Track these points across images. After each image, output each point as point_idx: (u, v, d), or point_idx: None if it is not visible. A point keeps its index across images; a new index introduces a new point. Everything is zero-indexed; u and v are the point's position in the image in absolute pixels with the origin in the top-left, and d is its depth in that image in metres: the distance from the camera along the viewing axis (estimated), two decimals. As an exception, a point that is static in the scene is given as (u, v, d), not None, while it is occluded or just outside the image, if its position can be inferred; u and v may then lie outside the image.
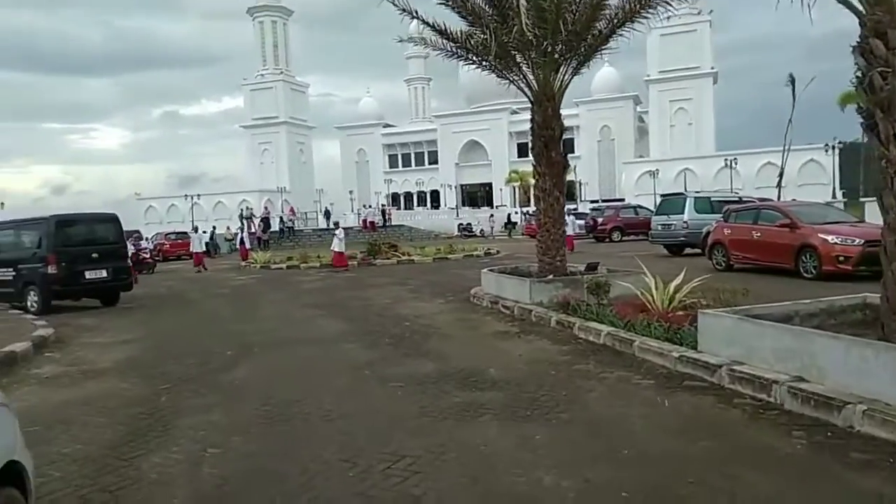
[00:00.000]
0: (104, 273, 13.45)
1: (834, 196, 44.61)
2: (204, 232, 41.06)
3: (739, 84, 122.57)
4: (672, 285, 8.13)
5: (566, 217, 21.78)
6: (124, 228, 32.10)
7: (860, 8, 4.86)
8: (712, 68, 67.30)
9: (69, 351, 8.69)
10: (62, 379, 7.03)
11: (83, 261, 13.18)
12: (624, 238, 30.86)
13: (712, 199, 20.02)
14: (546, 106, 10.69)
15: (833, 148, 49.69)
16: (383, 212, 48.06)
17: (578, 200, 69.66)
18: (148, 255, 26.91)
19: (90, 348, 8.87)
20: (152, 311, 12.90)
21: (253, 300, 14.01)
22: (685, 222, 19.14)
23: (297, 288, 16.25)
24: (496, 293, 10.66)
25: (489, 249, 26.11)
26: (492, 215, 54.05)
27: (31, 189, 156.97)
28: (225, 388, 6.28)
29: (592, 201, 62.51)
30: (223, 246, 40.37)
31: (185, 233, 39.48)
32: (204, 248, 28.03)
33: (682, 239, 19.33)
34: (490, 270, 11.83)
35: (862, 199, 27.94)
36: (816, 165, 54.48)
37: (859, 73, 4.90)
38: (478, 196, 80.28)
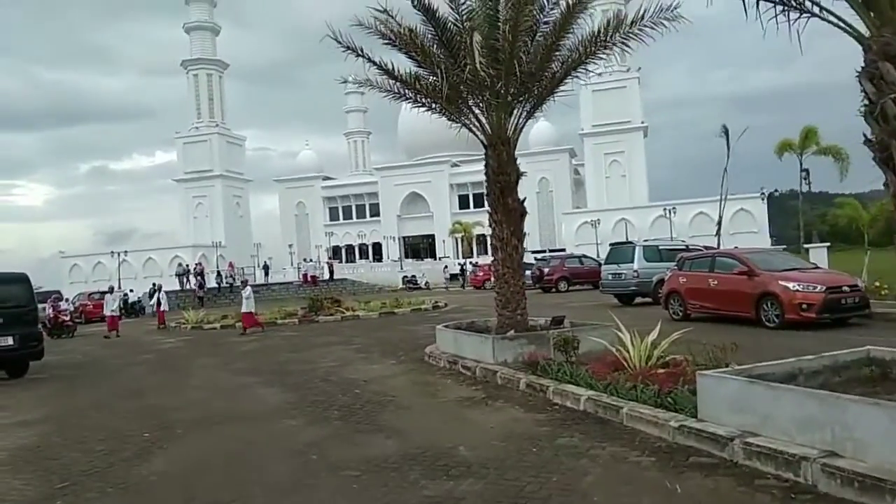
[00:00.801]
0: (10, 340, 11.87)
1: (773, 244, 46.18)
2: (130, 291, 38.95)
3: (663, 139, 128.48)
4: (649, 339, 7.47)
5: (245, 292, 21.04)
6: (48, 289, 29.41)
7: (864, 31, 4.41)
8: (642, 122, 69.93)
9: (-49, 439, 7.25)
10: (-68, 480, 5.69)
11: (-17, 327, 11.60)
12: (570, 288, 30.60)
13: (660, 247, 19.92)
14: (501, 150, 10.12)
15: (765, 197, 51.79)
16: (329, 266, 46.44)
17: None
18: (68, 318, 24.83)
19: (-22, 434, 7.45)
20: (64, 383, 11.38)
21: (181, 367, 12.63)
22: (635, 271, 18.87)
23: (232, 350, 14.90)
24: (454, 352, 9.78)
25: (437, 302, 25.25)
26: (445, 267, 53.54)
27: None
28: (136, 485, 5.13)
29: (533, 251, 63.03)
30: (149, 307, 38.02)
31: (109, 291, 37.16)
32: (117, 312, 24.37)
33: (633, 288, 19.02)
34: (445, 327, 10.96)
35: (807, 245, 28.68)
36: (747, 214, 56.58)
37: (867, 101, 4.42)
38: (420, 248, 79.74)
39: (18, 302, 12.38)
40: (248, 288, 20.46)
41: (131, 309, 35.83)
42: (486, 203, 10.43)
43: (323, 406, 7.61)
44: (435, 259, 71.59)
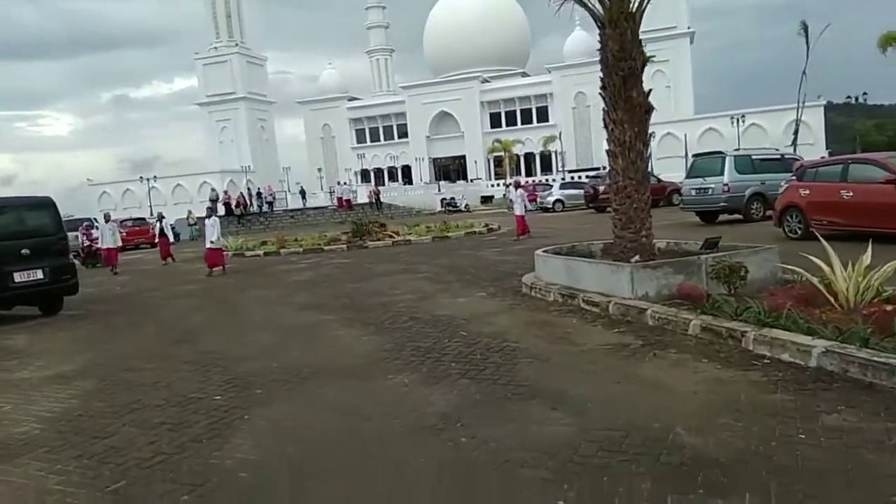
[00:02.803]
0: (39, 274, 10.42)
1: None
2: (163, 218, 38.11)
3: (700, 50, 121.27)
4: (861, 265, 5.65)
5: (515, 193, 19.31)
6: (78, 216, 27.97)
7: None
8: (689, 28, 65.29)
9: (-28, 402, 5.78)
10: (-58, 469, 4.19)
11: (10, 259, 10.13)
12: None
13: (753, 157, 17.62)
14: (624, 28, 8.04)
15: (823, 105, 48.18)
16: (376, 193, 44.61)
17: (555, 171, 67.51)
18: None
19: (9, 393, 5.97)
20: (103, 322, 9.95)
21: (233, 300, 11.12)
22: (726, 185, 16.74)
23: (285, 280, 13.38)
24: (567, 283, 8.02)
25: (489, 225, 23.44)
26: (515, 185, 51.59)
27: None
28: (223, 488, 3.54)
29: (570, 171, 60.30)
30: (185, 231, 36.92)
31: (143, 219, 36.06)
32: (170, 237, 22.76)
33: (723, 204, 16.94)
34: (548, 252, 9.16)
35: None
36: (802, 125, 52.96)
37: None
38: (451, 169, 77.33)
39: (45, 230, 10.85)
40: (214, 218, 16.60)
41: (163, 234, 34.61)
42: (603, 95, 8.38)
43: (431, 355, 5.97)
44: (467, 181, 69.38)
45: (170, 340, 7.94)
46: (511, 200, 20.63)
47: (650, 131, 8.39)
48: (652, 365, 5.14)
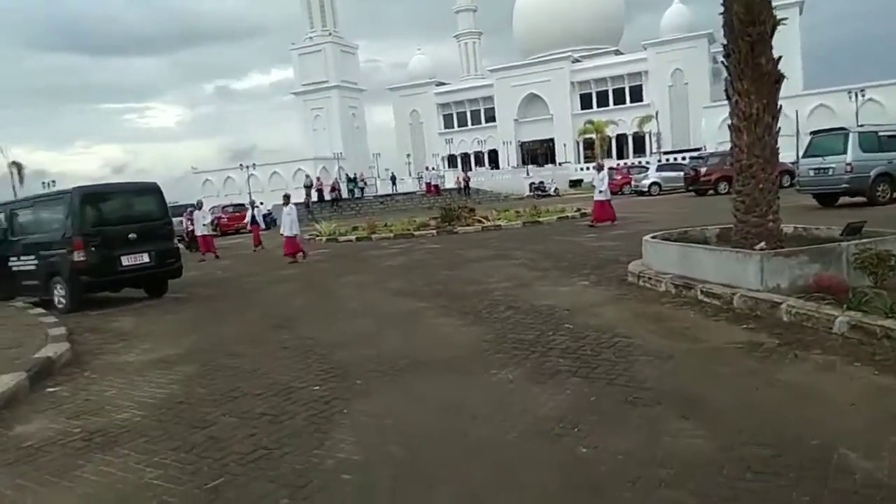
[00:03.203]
0: (145, 258, 10.78)
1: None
2: (261, 203, 39.35)
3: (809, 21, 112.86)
4: None
5: (597, 175, 17.98)
6: (182, 203, 29.27)
7: None
8: (798, -3, 60.77)
9: (82, 384, 5.90)
10: (51, 453, 4.19)
11: (119, 244, 10.53)
12: (731, 189, 26.71)
13: (880, 133, 15.96)
14: (751, -11, 7.21)
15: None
16: (465, 179, 44.13)
17: (649, 153, 64.87)
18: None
19: (113, 376, 6.07)
20: (205, 306, 10.16)
21: (328, 286, 11.10)
22: (849, 164, 15.24)
23: (379, 266, 13.29)
24: (682, 272, 7.37)
25: (581, 209, 22.60)
26: (598, 167, 50.26)
27: (94, 170, 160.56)
28: (322, 487, 3.29)
29: (665, 152, 57.70)
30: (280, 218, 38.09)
31: (242, 205, 37.39)
32: (261, 224, 23.97)
33: (845, 185, 15.45)
34: (657, 238, 8.50)
35: None
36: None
37: None
38: (538, 153, 75.98)
39: (151, 215, 11.21)
40: (291, 206, 16.50)
41: (263, 221, 35.86)
42: (726, 63, 7.60)
43: (535, 349, 5.55)
44: (555, 164, 67.95)
45: (269, 325, 7.93)
46: (593, 185, 19.40)
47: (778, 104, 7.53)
48: (794, 368, 4.50)
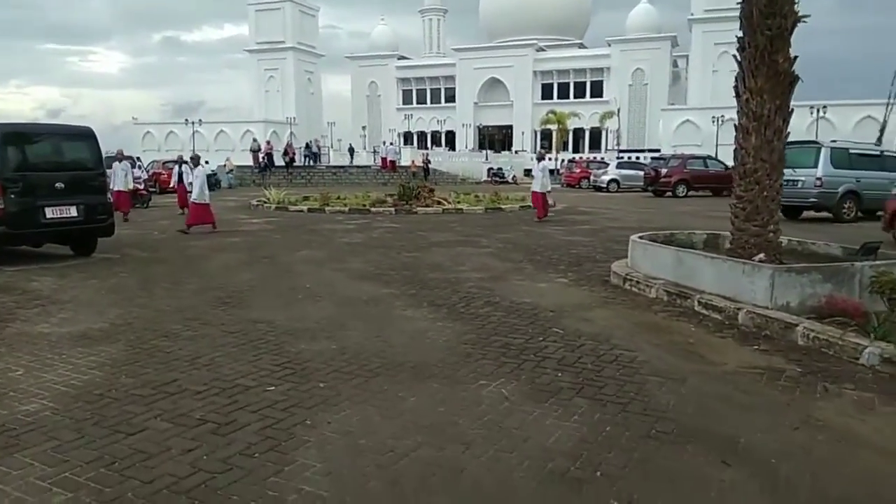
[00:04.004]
0: (73, 211, 9.56)
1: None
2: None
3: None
4: None
5: (537, 166, 16.49)
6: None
7: None
8: (762, 10, 61.55)
9: (-20, 359, 4.88)
10: (-77, 458, 3.24)
11: (44, 193, 9.28)
12: (689, 193, 26.84)
13: (851, 151, 15.95)
14: (778, -22, 6.63)
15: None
16: (425, 160, 42.29)
17: (604, 149, 65.25)
18: (142, 186, 22.88)
19: (22, 350, 5.06)
20: (139, 271, 9.05)
21: (280, 260, 10.13)
22: (818, 179, 15.17)
23: (335, 242, 12.37)
24: (675, 279, 6.81)
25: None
26: (538, 156, 49.79)
27: (27, 110, 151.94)
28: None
29: (622, 150, 58.08)
30: (224, 179, 36.29)
31: (186, 162, 35.41)
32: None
33: (813, 200, 15.40)
34: (644, 239, 7.91)
35: None
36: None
37: None
38: (496, 139, 75.49)
39: (83, 164, 9.97)
40: (200, 167, 14.70)
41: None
42: (739, 58, 7.02)
43: (527, 357, 4.86)
44: (511, 151, 67.56)
45: (213, 301, 6.98)
46: (532, 174, 17.93)
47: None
48: (830, 405, 3.95)
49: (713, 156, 32.79)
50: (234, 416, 3.73)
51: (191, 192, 14.75)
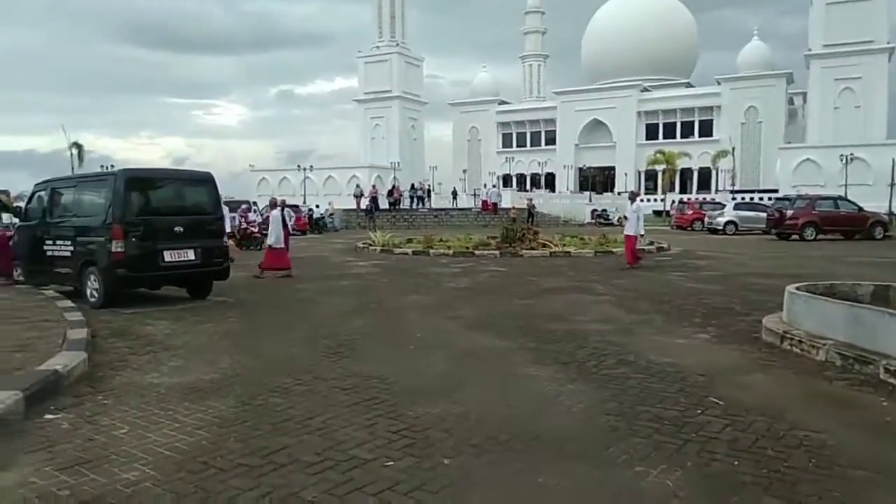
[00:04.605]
0: (190, 255, 9.66)
1: None
2: (317, 206, 38.51)
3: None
4: None
5: (630, 207, 14.76)
6: (237, 199, 28.09)
7: None
8: (889, 43, 57.50)
9: (90, 412, 4.65)
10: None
11: (163, 236, 9.44)
12: (818, 237, 24.59)
13: None
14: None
15: None
16: (530, 204, 40.73)
17: (714, 190, 62.15)
18: (256, 229, 23.64)
19: (130, 404, 4.81)
20: (250, 316, 8.92)
21: (389, 306, 9.76)
22: None
23: (442, 286, 11.92)
24: (849, 339, 5.76)
25: (658, 244, 20.85)
26: (631, 196, 48.12)
27: (156, 158, 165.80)
28: None
29: (735, 191, 54.98)
30: (327, 222, 37.27)
31: (297, 206, 36.72)
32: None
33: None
34: (807, 291, 6.87)
35: None
36: None
37: None
38: (597, 180, 73.83)
39: (202, 208, 10.12)
40: (276, 210, 14.20)
41: (316, 224, 35.14)
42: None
43: (687, 436, 4.05)
44: (614, 193, 65.71)
45: (324, 350, 6.61)
46: (625, 217, 16.62)
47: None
48: None
49: (843, 196, 30.12)
50: (350, 500, 3.19)
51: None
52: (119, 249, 8.96)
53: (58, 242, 9.96)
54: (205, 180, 10.36)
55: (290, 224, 18.40)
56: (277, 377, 5.57)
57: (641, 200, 27.43)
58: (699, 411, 4.53)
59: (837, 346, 5.75)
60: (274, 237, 13.58)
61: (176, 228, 9.51)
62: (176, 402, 4.86)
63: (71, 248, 9.69)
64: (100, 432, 4.21)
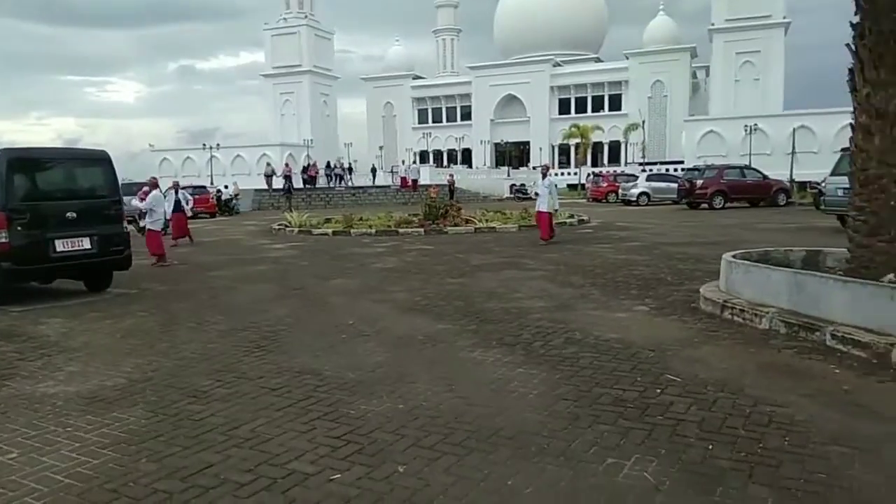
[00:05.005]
0: (86, 243, 8.66)
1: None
2: (225, 187, 36.91)
3: (799, 38, 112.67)
4: None
5: (542, 183, 14.26)
6: (137, 181, 26.08)
7: None
8: (784, 18, 60.54)
9: (-35, 435, 3.91)
10: None
11: (53, 224, 8.40)
12: (727, 205, 25.63)
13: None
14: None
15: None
16: (451, 181, 39.57)
17: (625, 162, 64.09)
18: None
19: (19, 421, 4.09)
20: (158, 309, 8.07)
21: (313, 291, 9.15)
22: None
23: (369, 267, 11.38)
24: (793, 307, 5.72)
25: (579, 216, 21.03)
26: (543, 171, 48.68)
27: (45, 140, 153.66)
28: None
29: (641, 163, 56.83)
30: (234, 204, 35.57)
31: (204, 187, 34.84)
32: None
33: None
34: (743, 259, 6.83)
35: None
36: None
37: None
38: (513, 155, 74.52)
39: (98, 191, 9.09)
40: (157, 189, 13.56)
41: (225, 206, 33.47)
42: (856, 47, 5.97)
43: (654, 419, 3.80)
44: (529, 167, 66.55)
45: (245, 344, 5.98)
46: (536, 193, 16.23)
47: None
48: None
49: (749, 165, 31.52)
50: (293, 528, 2.71)
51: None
52: (3, 240, 7.88)
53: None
54: (99, 159, 9.30)
55: (186, 207, 17.37)
56: (194, 378, 4.94)
57: (555, 174, 27.52)
58: (658, 390, 4.31)
59: (781, 313, 5.71)
60: (151, 218, 13.04)
61: (68, 214, 8.47)
62: (76, 416, 4.18)
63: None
64: (-23, 461, 3.50)
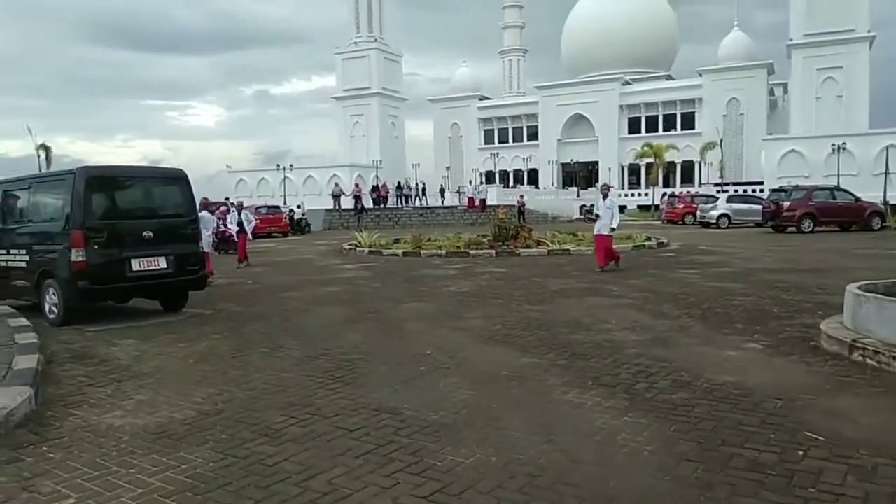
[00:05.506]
0: (162, 262, 8.58)
1: None
2: (297, 207, 37.42)
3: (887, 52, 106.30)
4: None
5: (603, 204, 13.11)
6: (213, 200, 26.77)
7: None
8: (869, 32, 57.44)
9: (29, 471, 3.63)
10: None
11: (130, 242, 8.35)
12: (816, 228, 24.01)
13: None
14: None
15: None
16: (520, 203, 38.14)
17: (699, 182, 61.84)
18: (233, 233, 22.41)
19: (81, 459, 3.80)
20: (232, 331, 7.85)
21: (387, 315, 8.75)
22: None
23: (442, 291, 10.93)
24: (946, 351, 4.89)
25: (658, 239, 20.05)
26: (603, 191, 47.41)
27: (132, 162, 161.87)
28: None
29: (717, 184, 54.64)
30: (315, 223, 36.07)
31: (277, 207, 35.50)
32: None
33: None
34: (871, 290, 6.01)
35: None
36: None
37: None
38: (581, 175, 73.21)
39: (174, 210, 9.04)
40: (205, 211, 13.00)
41: (297, 226, 33.97)
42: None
43: (804, 491, 3.14)
44: (597, 187, 65.09)
45: (320, 375, 5.60)
46: (597, 214, 15.08)
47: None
48: None
49: (839, 186, 29.62)
50: None
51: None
52: (80, 259, 7.86)
53: (12, 252, 8.84)
54: (177, 178, 9.28)
55: (248, 227, 17.24)
56: (266, 413, 4.58)
57: (625, 195, 26.42)
58: (801, 452, 3.63)
59: (927, 358, 4.89)
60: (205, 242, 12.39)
61: (145, 233, 8.42)
62: (140, 455, 3.85)
63: (27, 257, 8.57)
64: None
